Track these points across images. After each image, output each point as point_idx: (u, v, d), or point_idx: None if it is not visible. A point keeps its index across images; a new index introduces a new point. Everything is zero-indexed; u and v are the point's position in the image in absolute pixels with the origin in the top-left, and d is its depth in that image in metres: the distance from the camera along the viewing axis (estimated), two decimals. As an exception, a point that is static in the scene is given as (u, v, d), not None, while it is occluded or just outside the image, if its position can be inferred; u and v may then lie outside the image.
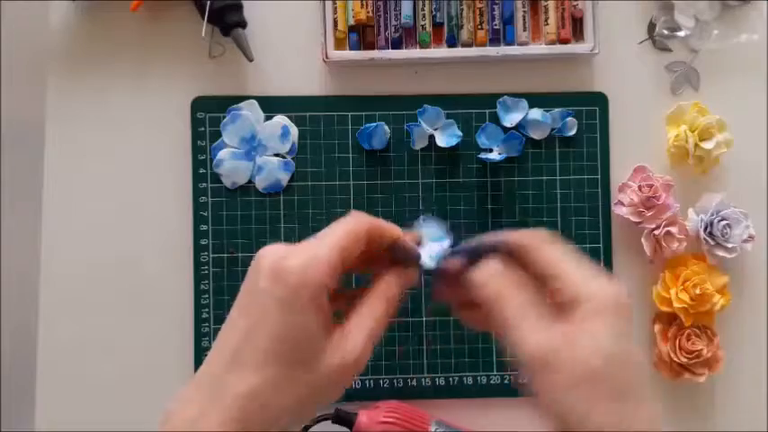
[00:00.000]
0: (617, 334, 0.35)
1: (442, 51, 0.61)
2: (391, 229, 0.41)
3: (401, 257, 0.41)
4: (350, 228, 0.38)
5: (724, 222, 0.60)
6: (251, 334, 0.34)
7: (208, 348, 0.59)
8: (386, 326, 0.39)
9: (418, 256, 0.42)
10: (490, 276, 0.39)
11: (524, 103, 0.61)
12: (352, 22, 0.60)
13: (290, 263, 0.35)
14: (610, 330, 0.35)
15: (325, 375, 0.35)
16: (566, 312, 0.36)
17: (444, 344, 0.61)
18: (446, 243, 0.43)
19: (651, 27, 0.63)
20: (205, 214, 0.61)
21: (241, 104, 0.61)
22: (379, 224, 0.40)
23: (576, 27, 0.62)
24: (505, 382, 0.61)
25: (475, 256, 0.41)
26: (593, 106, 0.62)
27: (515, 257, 0.40)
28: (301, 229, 0.61)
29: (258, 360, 0.34)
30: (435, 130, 0.61)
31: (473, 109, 0.62)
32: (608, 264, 0.62)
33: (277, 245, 0.36)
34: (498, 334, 0.38)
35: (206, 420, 0.33)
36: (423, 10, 0.61)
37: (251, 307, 0.35)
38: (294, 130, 0.61)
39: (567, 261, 0.38)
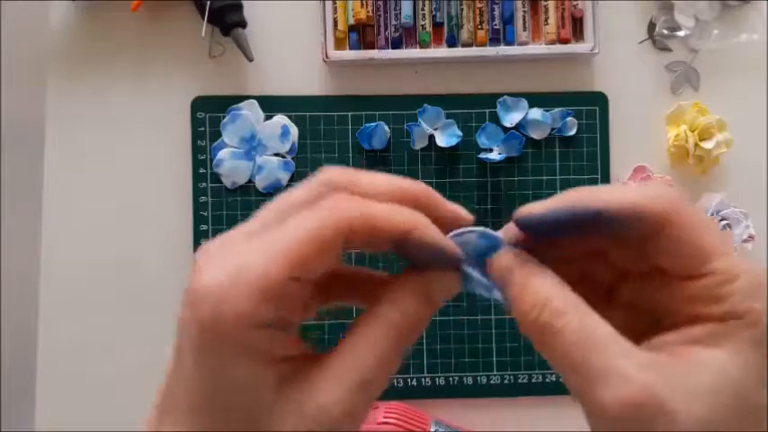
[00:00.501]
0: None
1: (442, 51, 0.61)
2: (395, 219, 0.25)
3: (423, 260, 0.26)
4: (316, 226, 0.23)
5: (724, 222, 0.60)
6: (171, 383, 0.25)
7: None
8: (393, 366, 0.25)
9: (454, 258, 0.27)
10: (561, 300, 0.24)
11: (524, 102, 0.61)
12: (352, 21, 0.60)
13: (203, 281, 0.23)
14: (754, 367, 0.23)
15: None
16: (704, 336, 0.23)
17: (444, 344, 0.61)
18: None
19: (651, 27, 0.63)
20: (205, 214, 0.61)
21: (241, 104, 0.61)
22: (373, 214, 0.24)
23: (576, 27, 0.62)
24: (505, 382, 0.61)
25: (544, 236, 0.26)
26: (592, 106, 0.62)
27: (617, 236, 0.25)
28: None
29: (180, 420, 0.24)
30: (435, 129, 0.61)
31: (473, 109, 0.62)
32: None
33: (216, 239, 0.25)
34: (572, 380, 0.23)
35: None
36: (423, 10, 0.61)
37: (176, 341, 0.25)
38: (294, 130, 0.61)
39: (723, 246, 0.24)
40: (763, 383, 0.22)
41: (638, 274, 0.26)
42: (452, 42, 0.61)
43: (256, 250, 0.23)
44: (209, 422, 0.23)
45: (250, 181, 0.61)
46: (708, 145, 0.60)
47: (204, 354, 0.23)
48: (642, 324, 0.26)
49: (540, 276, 0.25)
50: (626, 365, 0.22)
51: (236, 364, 0.23)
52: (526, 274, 0.25)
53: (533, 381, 0.60)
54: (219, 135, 0.61)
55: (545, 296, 0.24)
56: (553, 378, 0.60)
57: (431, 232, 0.26)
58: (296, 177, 0.61)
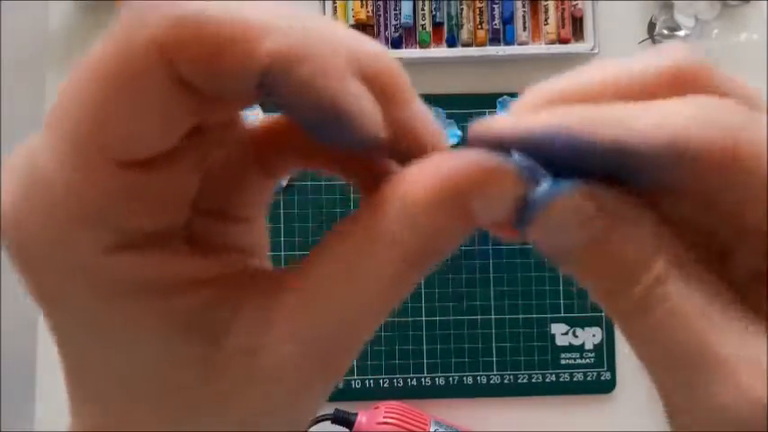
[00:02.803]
0: None
1: (442, 51, 0.61)
2: (251, 23, 0.13)
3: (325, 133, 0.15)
4: (105, 61, 0.14)
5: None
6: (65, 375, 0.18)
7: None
8: (390, 307, 0.16)
9: (373, 136, 0.15)
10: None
11: (524, 102, 0.61)
12: (351, 21, 0.60)
13: None
14: None
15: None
16: None
17: (444, 344, 0.61)
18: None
19: (651, 27, 0.63)
20: (205, 214, 0.61)
21: (241, 104, 0.61)
22: (203, 14, 0.13)
23: (576, 27, 0.62)
24: (505, 381, 0.61)
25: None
26: (593, 106, 0.62)
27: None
28: (301, 229, 0.61)
29: (83, 412, 0.17)
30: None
31: (473, 109, 0.62)
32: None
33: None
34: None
35: None
36: (423, 10, 0.61)
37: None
38: (294, 130, 0.61)
39: None
40: None
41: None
42: (452, 42, 0.61)
43: (44, 143, 0.14)
44: (115, 413, 0.16)
45: (250, 181, 0.61)
46: (708, 145, 0.60)
47: (54, 316, 0.15)
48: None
49: (639, 226, 0.15)
50: (753, 355, 0.15)
51: (103, 319, 0.15)
52: (618, 221, 0.15)
53: (533, 381, 0.60)
54: (219, 135, 0.61)
55: (649, 255, 0.15)
56: (553, 378, 0.60)
57: (338, 71, 0.14)
58: (296, 177, 0.61)
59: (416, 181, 0.15)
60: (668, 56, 0.17)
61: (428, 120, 0.16)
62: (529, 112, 0.16)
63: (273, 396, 0.15)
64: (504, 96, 0.61)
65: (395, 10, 0.61)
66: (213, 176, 0.17)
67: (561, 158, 0.15)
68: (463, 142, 0.60)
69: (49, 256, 0.14)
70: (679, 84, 0.16)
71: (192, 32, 0.13)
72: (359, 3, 0.60)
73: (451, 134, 0.61)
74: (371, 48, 0.15)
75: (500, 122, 0.16)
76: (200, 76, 0.13)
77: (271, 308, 0.15)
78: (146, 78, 0.13)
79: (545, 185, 0.15)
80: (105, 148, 0.14)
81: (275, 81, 0.13)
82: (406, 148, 0.16)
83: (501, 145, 0.16)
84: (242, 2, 0.13)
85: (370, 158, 0.17)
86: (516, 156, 0.16)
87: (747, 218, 0.15)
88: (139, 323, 0.15)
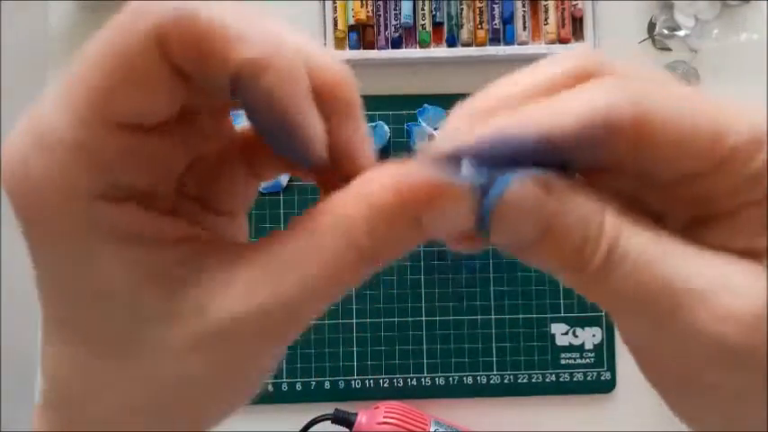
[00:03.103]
0: None
1: (442, 51, 0.61)
2: (232, 31, 0.16)
3: (279, 143, 0.18)
4: (112, 42, 0.16)
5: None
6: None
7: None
8: (348, 278, 0.17)
9: (316, 152, 0.17)
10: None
11: (524, 102, 0.61)
12: (351, 21, 0.60)
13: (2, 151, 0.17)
14: None
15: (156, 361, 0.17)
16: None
17: (444, 344, 0.61)
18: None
19: (651, 26, 0.63)
20: (205, 214, 0.61)
21: (241, 104, 0.61)
22: (196, 14, 0.16)
23: (576, 27, 0.62)
24: (505, 381, 0.61)
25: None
26: (593, 106, 0.62)
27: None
28: (301, 229, 0.61)
29: (54, 340, 0.18)
30: (435, 129, 0.61)
31: (473, 109, 0.62)
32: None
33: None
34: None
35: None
36: (423, 9, 0.61)
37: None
38: (294, 130, 0.61)
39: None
40: None
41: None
42: (452, 42, 0.61)
43: (51, 100, 0.16)
44: (78, 334, 0.17)
45: (250, 181, 0.61)
46: (708, 145, 0.60)
47: (42, 249, 0.17)
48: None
49: (586, 198, 0.17)
50: (723, 278, 0.16)
51: (85, 254, 0.17)
52: (566, 196, 0.17)
53: (533, 381, 0.60)
54: (219, 135, 0.61)
55: (598, 216, 0.17)
56: (553, 378, 0.60)
57: (295, 85, 0.16)
58: (296, 177, 0.61)
59: (375, 190, 0.17)
60: (572, 55, 0.19)
61: (364, 141, 0.19)
62: (465, 126, 0.18)
63: (216, 354, 0.17)
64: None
65: (395, 10, 0.61)
66: (204, 168, 0.20)
67: (505, 160, 0.17)
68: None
69: (49, 195, 0.16)
70: (585, 77, 0.18)
71: (183, 27, 0.15)
72: (359, 3, 0.60)
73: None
74: (330, 62, 0.18)
75: (440, 146, 0.18)
76: (187, 64, 0.16)
77: (229, 273, 0.17)
78: (145, 57, 0.16)
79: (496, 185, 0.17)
80: (110, 111, 0.16)
81: (242, 85, 0.16)
82: (339, 163, 0.18)
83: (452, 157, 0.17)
84: (229, 9, 0.16)
85: (340, 175, 0.19)
86: (467, 165, 0.17)
87: (667, 176, 0.17)
88: (112, 265, 0.17)
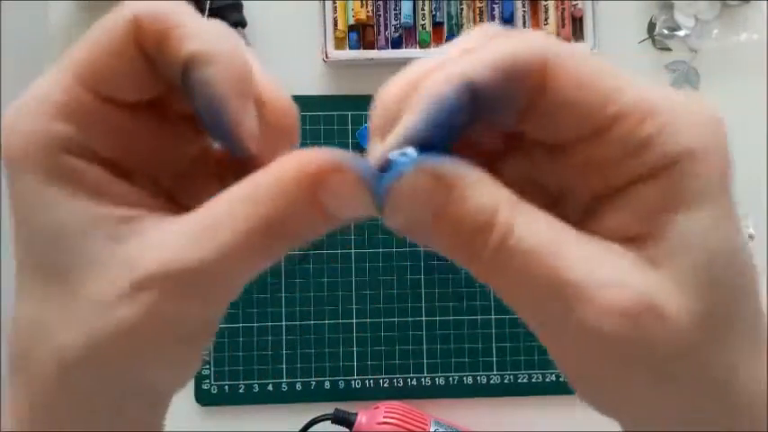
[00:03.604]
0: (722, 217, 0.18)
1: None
2: (191, 28, 0.19)
3: (216, 131, 0.20)
4: (102, 27, 0.21)
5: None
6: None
7: (207, 347, 0.59)
8: (260, 255, 0.19)
9: (245, 143, 0.20)
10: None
11: (524, 102, 0.61)
12: (352, 21, 0.61)
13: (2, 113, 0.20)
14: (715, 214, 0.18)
15: (89, 303, 0.18)
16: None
17: (444, 344, 0.61)
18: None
19: (651, 26, 0.63)
20: (205, 214, 0.61)
21: (241, 104, 0.61)
22: (164, 11, 0.20)
23: (576, 27, 0.62)
24: (505, 381, 0.61)
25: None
26: (593, 106, 0.62)
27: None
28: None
29: (20, 274, 0.20)
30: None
31: (473, 109, 0.62)
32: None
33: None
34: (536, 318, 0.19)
35: None
36: (423, 9, 0.61)
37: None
38: (294, 130, 0.61)
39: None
40: (737, 232, 0.18)
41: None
42: (452, 42, 0.61)
43: (47, 73, 0.21)
44: (27, 271, 0.19)
45: (250, 181, 0.61)
46: (708, 145, 0.60)
47: (15, 188, 0.19)
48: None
49: (479, 185, 0.18)
50: (607, 272, 0.17)
51: (47, 195, 0.19)
52: (460, 185, 0.18)
53: (533, 381, 0.60)
54: (219, 135, 0.61)
55: (492, 206, 0.17)
56: (553, 378, 0.60)
57: (233, 82, 0.19)
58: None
59: (285, 165, 0.18)
60: (478, 30, 0.20)
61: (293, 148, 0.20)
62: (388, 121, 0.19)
63: (138, 305, 0.18)
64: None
65: (395, 10, 0.61)
66: (179, 168, 0.22)
67: (443, 128, 0.18)
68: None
69: (29, 139, 0.19)
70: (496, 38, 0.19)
71: (153, 19, 0.19)
72: (359, 3, 0.60)
73: None
74: (280, 92, 0.21)
75: (377, 149, 0.19)
76: (152, 49, 0.19)
77: (161, 234, 0.19)
78: (122, 38, 0.20)
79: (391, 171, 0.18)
80: (90, 78, 0.20)
81: (188, 75, 0.19)
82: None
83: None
84: (187, 11, 0.20)
85: None
86: (409, 151, 0.18)
87: (565, 132, 0.18)
88: (65, 208, 0.19)
